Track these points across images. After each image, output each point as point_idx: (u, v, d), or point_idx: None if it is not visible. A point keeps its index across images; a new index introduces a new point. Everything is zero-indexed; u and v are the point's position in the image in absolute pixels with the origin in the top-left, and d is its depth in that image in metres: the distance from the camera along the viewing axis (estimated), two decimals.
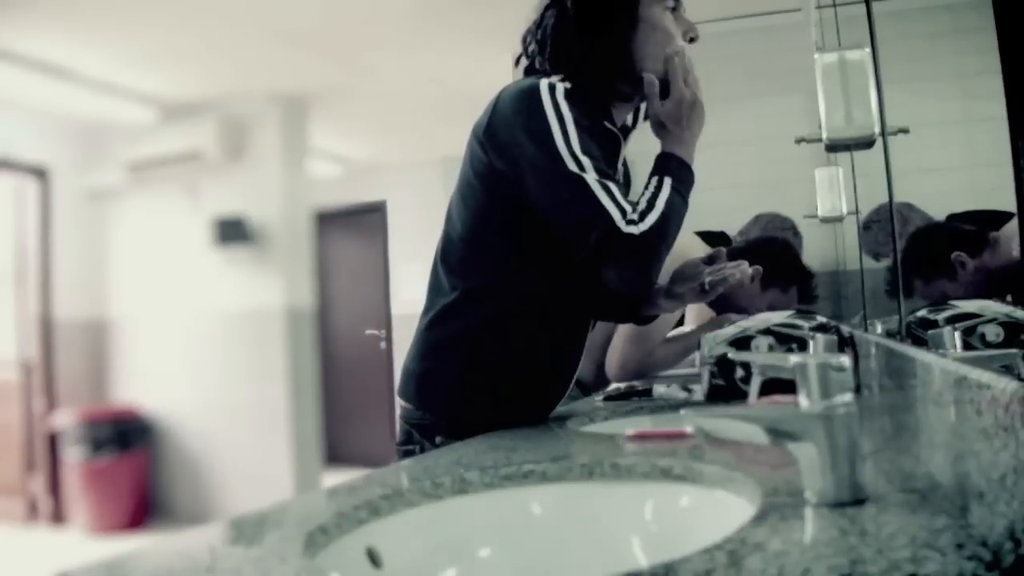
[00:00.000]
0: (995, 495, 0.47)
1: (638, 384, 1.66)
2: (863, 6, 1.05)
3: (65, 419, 4.51)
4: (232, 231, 4.53)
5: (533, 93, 1.11)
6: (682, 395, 1.59)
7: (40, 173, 4.77)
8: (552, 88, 1.11)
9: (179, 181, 4.73)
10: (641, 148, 1.30)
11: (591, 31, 1.17)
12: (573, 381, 1.31)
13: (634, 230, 1.06)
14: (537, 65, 1.23)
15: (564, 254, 1.13)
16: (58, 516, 4.66)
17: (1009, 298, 0.62)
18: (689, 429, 0.94)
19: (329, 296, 6.14)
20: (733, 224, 2.25)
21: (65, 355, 4.83)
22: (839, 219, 1.83)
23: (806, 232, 2.23)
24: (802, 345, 1.43)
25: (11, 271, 4.84)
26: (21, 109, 4.47)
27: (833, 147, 1.09)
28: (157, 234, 4.90)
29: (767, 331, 1.46)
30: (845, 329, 1.54)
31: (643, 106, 1.28)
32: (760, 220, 2.15)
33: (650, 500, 0.83)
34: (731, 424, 0.62)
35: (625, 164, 1.33)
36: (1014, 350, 0.65)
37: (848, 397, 0.61)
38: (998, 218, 0.68)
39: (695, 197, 1.16)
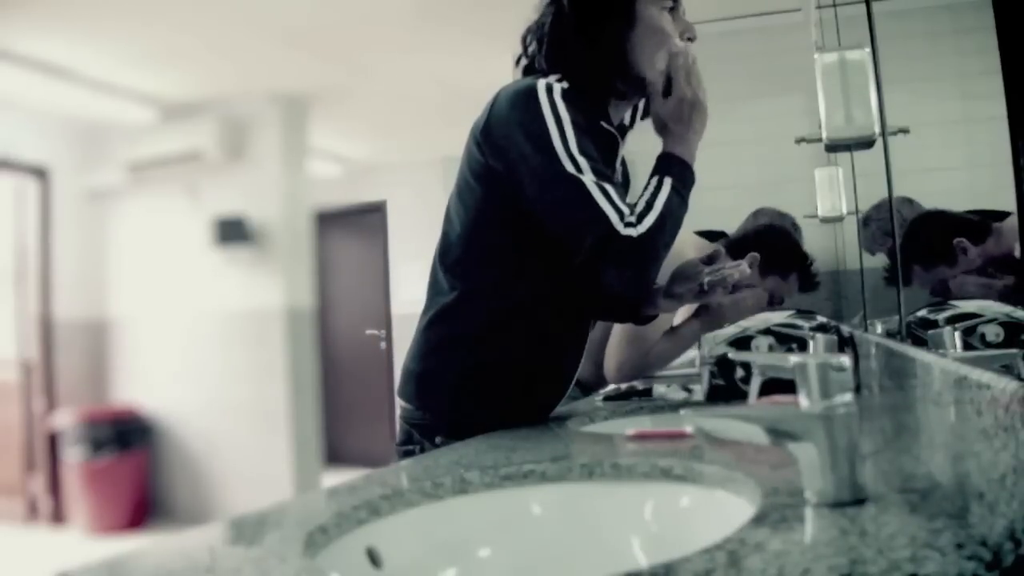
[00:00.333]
0: (995, 495, 0.47)
1: (638, 384, 1.66)
2: (863, 6, 1.05)
3: (65, 419, 4.51)
4: (232, 231, 4.53)
5: (530, 93, 1.11)
6: (682, 395, 1.59)
7: (40, 173, 4.77)
8: (549, 88, 1.11)
9: (179, 181, 4.73)
10: (641, 148, 1.30)
11: (588, 30, 1.17)
12: (573, 381, 1.31)
13: (632, 232, 1.06)
14: (537, 65, 1.23)
15: (563, 254, 1.13)
16: (58, 516, 4.66)
17: (1011, 279, 0.61)
18: (689, 429, 0.94)
19: (329, 296, 6.14)
20: (733, 224, 2.25)
21: (65, 355, 4.83)
22: (839, 219, 1.83)
23: (806, 232, 2.23)
24: (802, 345, 1.43)
25: (11, 271, 4.84)
26: (21, 109, 4.47)
27: (833, 147, 1.09)
28: (157, 234, 4.90)
29: (767, 331, 1.46)
30: (845, 329, 1.55)
31: (642, 105, 1.28)
32: (760, 215, 2.14)
33: (650, 500, 0.83)
34: (731, 424, 0.62)
35: (624, 164, 1.33)
36: (1014, 350, 0.65)
37: (848, 397, 0.61)
38: (997, 216, 0.68)
39: (695, 197, 1.16)
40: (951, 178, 0.91)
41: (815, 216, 1.95)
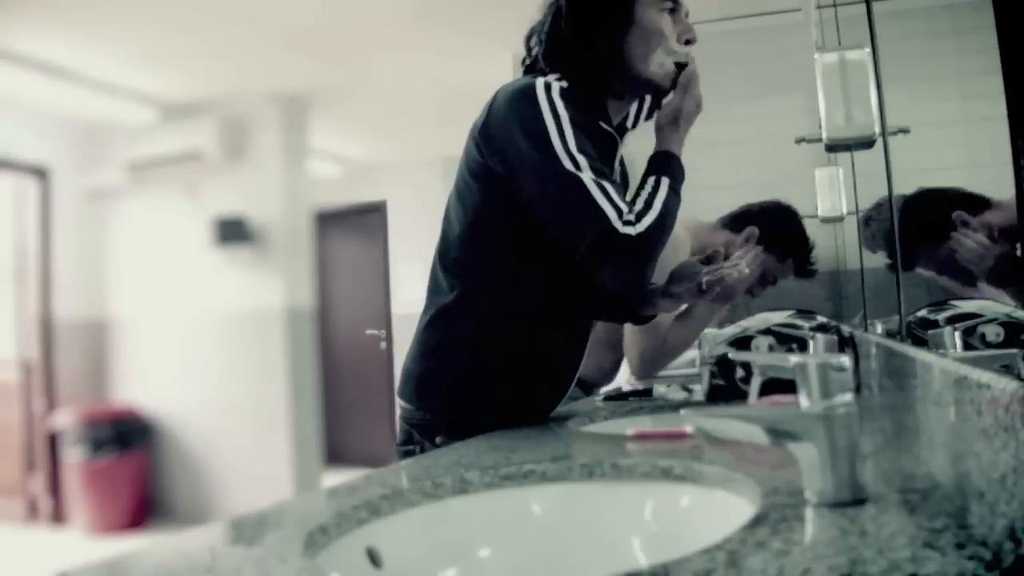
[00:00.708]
0: (995, 495, 0.47)
1: (639, 384, 1.66)
2: (863, 6, 1.05)
3: (65, 419, 4.51)
4: (232, 231, 4.53)
5: (529, 92, 1.11)
6: (682, 395, 1.59)
7: (40, 173, 4.77)
8: (548, 87, 1.11)
9: (179, 181, 4.73)
10: (641, 148, 1.30)
11: (584, 31, 1.17)
12: (574, 382, 1.31)
13: (631, 231, 1.06)
14: (538, 65, 1.23)
15: (562, 254, 1.13)
16: (58, 516, 4.66)
17: (1020, 248, 0.60)
18: (689, 429, 0.94)
19: (329, 296, 6.14)
20: None
21: (65, 355, 4.83)
22: (839, 219, 1.83)
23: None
24: (802, 345, 1.43)
25: (11, 271, 4.84)
26: (21, 109, 4.46)
27: (833, 147, 1.09)
28: (157, 234, 4.89)
29: (767, 331, 1.46)
30: (845, 329, 1.55)
31: (646, 106, 1.29)
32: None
33: (650, 500, 0.83)
34: (731, 424, 0.62)
35: (623, 164, 1.33)
36: (1014, 350, 0.65)
37: (848, 397, 0.61)
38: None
39: (695, 198, 1.17)
40: (951, 178, 0.91)
41: (815, 216, 1.95)
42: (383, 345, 6.13)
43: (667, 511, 0.81)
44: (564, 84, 1.13)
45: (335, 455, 5.70)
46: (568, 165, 1.07)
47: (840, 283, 2.14)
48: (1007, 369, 0.59)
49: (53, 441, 4.62)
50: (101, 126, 4.79)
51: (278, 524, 0.70)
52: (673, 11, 1.19)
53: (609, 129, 1.21)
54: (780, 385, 1.10)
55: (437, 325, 1.22)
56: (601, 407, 1.44)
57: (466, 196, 1.19)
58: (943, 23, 0.85)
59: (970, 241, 0.70)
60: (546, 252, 1.16)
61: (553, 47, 1.19)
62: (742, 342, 1.44)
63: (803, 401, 0.61)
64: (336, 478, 1.10)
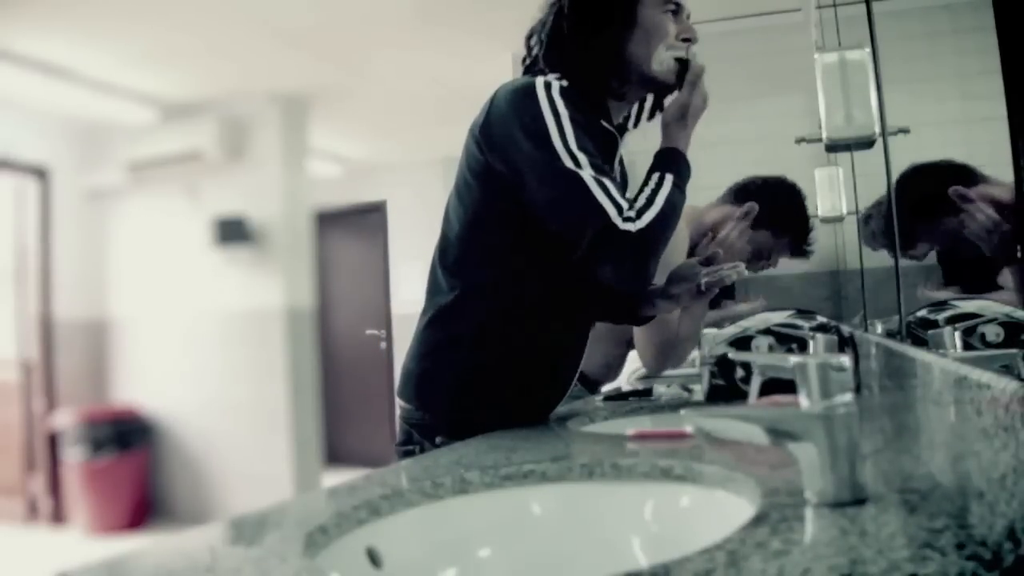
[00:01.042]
0: (995, 495, 0.47)
1: (639, 384, 1.66)
2: (863, 6, 1.05)
3: (65, 419, 4.51)
4: (232, 231, 4.53)
5: (529, 90, 1.11)
6: (682, 395, 1.59)
7: (40, 173, 4.77)
8: (548, 85, 1.11)
9: (179, 181, 4.73)
10: (642, 148, 1.30)
11: (585, 31, 1.17)
12: (574, 382, 1.31)
13: (631, 227, 1.06)
14: (538, 64, 1.23)
15: (562, 254, 1.13)
16: (58, 516, 4.66)
17: (1020, 249, 0.59)
18: (689, 429, 0.94)
19: (329, 296, 6.14)
20: None
21: (65, 355, 4.83)
22: (839, 219, 1.83)
23: None
24: (802, 345, 1.43)
25: (11, 271, 4.84)
26: (21, 109, 4.46)
27: (833, 147, 1.09)
28: (157, 234, 4.89)
29: (767, 331, 1.46)
30: (845, 329, 1.54)
31: (647, 107, 1.29)
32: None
33: (650, 500, 0.83)
34: (731, 424, 0.62)
35: (623, 163, 1.33)
36: (1014, 350, 0.65)
37: (848, 397, 0.61)
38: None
39: (694, 197, 1.17)
40: None
41: (815, 216, 1.95)
42: (383, 345, 6.13)
43: (667, 511, 0.81)
44: (564, 83, 1.13)
45: (335, 455, 5.70)
46: (568, 162, 1.07)
47: (840, 283, 2.14)
48: (1007, 369, 0.59)
49: (53, 441, 4.62)
50: (101, 126, 4.79)
51: (278, 524, 0.70)
52: (675, 13, 1.19)
53: (610, 128, 1.21)
54: (780, 385, 1.10)
55: (437, 325, 1.22)
56: (601, 407, 1.45)
57: (466, 195, 1.19)
58: (942, 23, 0.85)
59: (983, 215, 0.69)
60: (546, 252, 1.16)
61: (554, 47, 1.19)
62: (742, 342, 1.44)
63: (803, 401, 0.61)
64: (336, 478, 1.10)
